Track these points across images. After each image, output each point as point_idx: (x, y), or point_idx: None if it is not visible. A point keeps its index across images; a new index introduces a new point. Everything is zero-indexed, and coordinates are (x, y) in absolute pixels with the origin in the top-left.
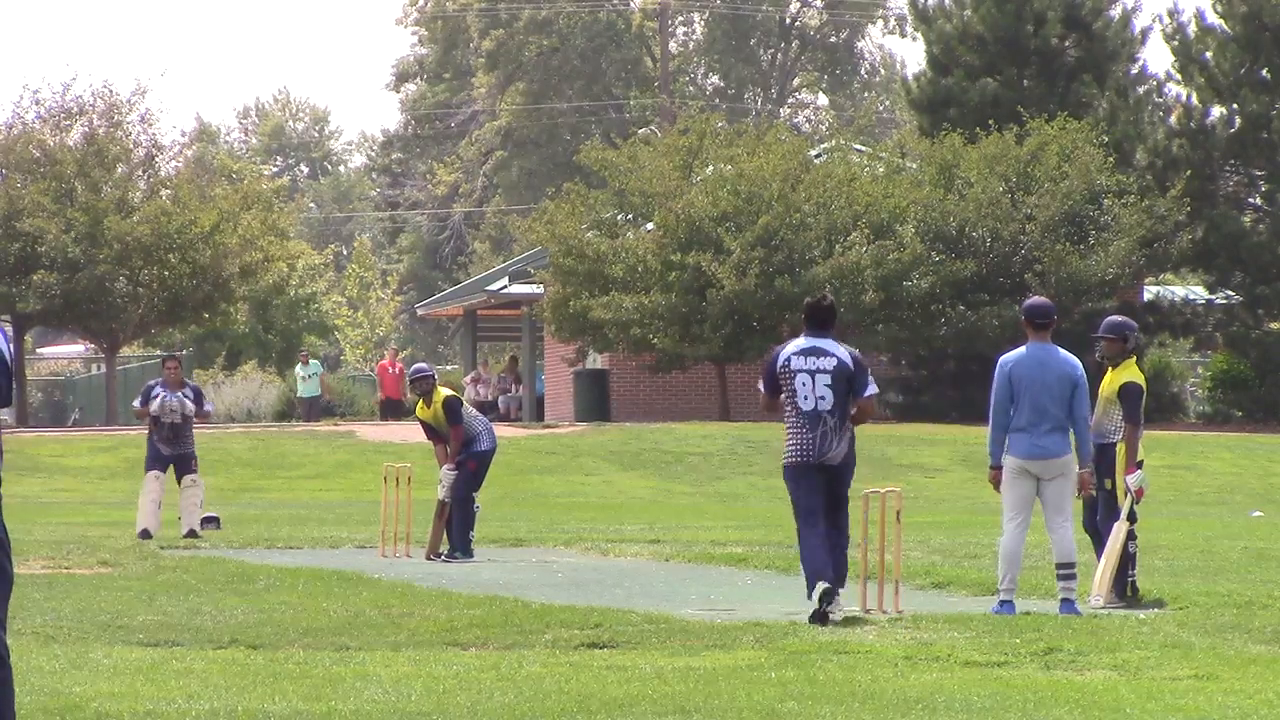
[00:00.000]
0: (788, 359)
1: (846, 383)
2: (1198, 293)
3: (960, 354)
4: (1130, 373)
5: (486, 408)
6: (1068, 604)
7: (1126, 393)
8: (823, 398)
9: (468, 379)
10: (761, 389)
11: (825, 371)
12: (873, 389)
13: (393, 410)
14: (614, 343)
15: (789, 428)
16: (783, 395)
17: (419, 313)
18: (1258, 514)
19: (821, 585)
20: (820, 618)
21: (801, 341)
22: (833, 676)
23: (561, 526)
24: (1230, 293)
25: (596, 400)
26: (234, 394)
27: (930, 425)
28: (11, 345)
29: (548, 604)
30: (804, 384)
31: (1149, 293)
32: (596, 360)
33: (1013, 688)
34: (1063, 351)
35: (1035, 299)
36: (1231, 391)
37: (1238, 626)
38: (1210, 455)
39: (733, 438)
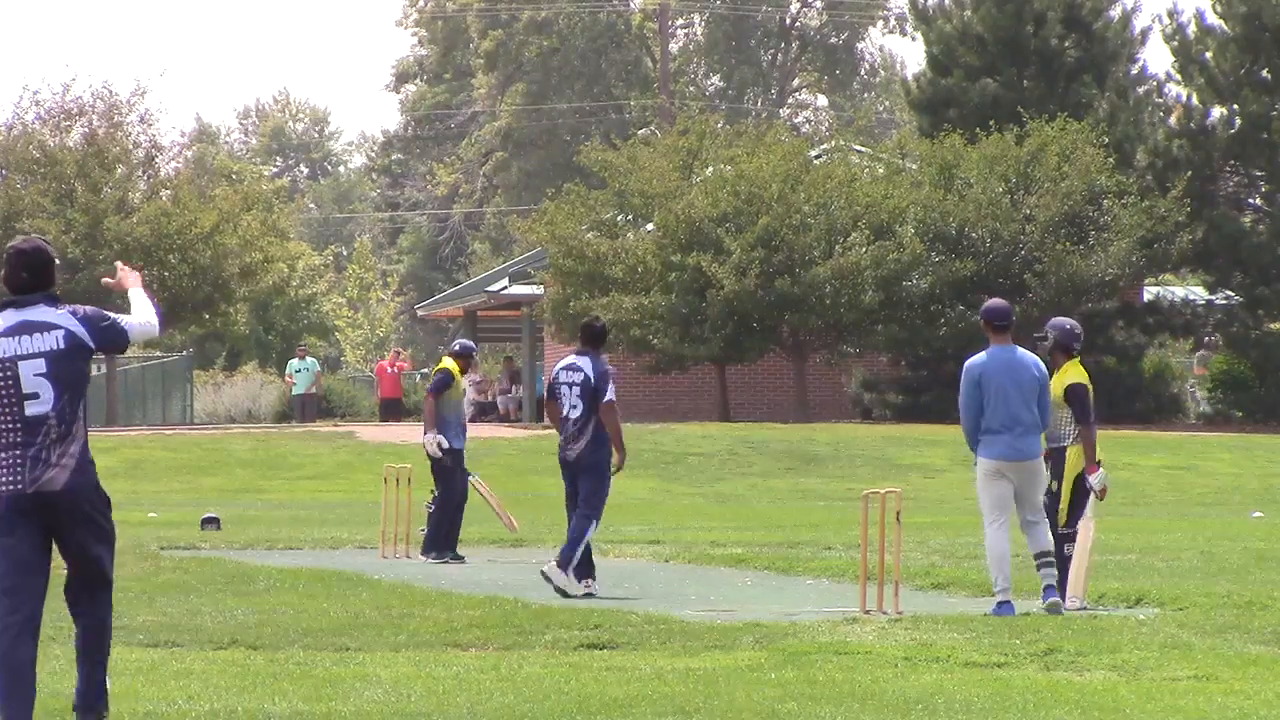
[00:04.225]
0: (555, 373)
1: (593, 394)
2: (1198, 293)
3: (960, 354)
4: (1074, 374)
5: (486, 408)
6: (1050, 590)
7: (1073, 395)
8: (575, 407)
9: (475, 379)
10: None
11: (575, 384)
12: (610, 396)
13: (392, 411)
14: (614, 343)
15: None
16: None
17: (419, 313)
18: (1258, 515)
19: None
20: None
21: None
22: (833, 677)
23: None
24: (1230, 293)
25: None
26: (234, 395)
27: (930, 425)
28: None
29: (548, 604)
30: (564, 394)
31: (1149, 293)
32: None
33: (1013, 688)
34: (1022, 351)
35: (993, 301)
36: (1231, 392)
37: (1238, 627)
38: (1210, 456)
39: (733, 438)
